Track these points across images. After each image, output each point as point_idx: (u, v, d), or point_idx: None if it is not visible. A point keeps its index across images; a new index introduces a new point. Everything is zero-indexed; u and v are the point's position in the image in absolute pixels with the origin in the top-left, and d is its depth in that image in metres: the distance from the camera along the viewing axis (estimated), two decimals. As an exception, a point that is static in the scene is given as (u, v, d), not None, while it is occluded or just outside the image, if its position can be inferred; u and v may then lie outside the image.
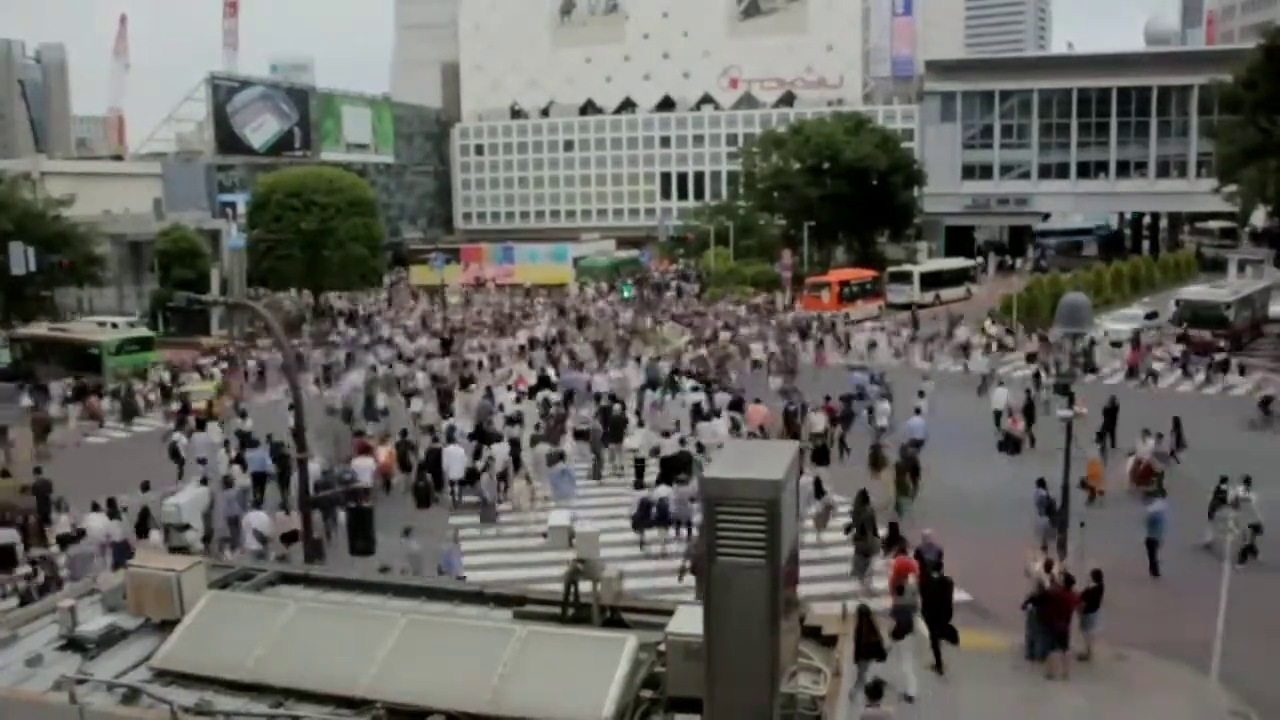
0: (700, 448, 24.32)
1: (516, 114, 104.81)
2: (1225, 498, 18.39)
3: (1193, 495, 20.80)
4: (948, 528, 18.89)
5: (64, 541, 19.94)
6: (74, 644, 7.74)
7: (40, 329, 45.35)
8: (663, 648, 6.86)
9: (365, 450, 25.13)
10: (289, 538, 19.47)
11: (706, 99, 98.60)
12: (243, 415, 31.02)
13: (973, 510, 22.18)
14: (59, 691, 6.94)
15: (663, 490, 21.25)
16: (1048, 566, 15.56)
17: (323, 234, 58.07)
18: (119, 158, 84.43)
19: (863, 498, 19.81)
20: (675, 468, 22.90)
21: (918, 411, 27.95)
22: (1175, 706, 12.78)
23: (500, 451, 24.59)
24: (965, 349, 41.01)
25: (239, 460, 24.92)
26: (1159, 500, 19.84)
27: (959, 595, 18.16)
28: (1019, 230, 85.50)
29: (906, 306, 55.24)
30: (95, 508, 20.72)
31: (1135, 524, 19.60)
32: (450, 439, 25.60)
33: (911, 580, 15.60)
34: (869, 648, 12.63)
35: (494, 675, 6.72)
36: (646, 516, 20.75)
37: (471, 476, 23.89)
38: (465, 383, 34.91)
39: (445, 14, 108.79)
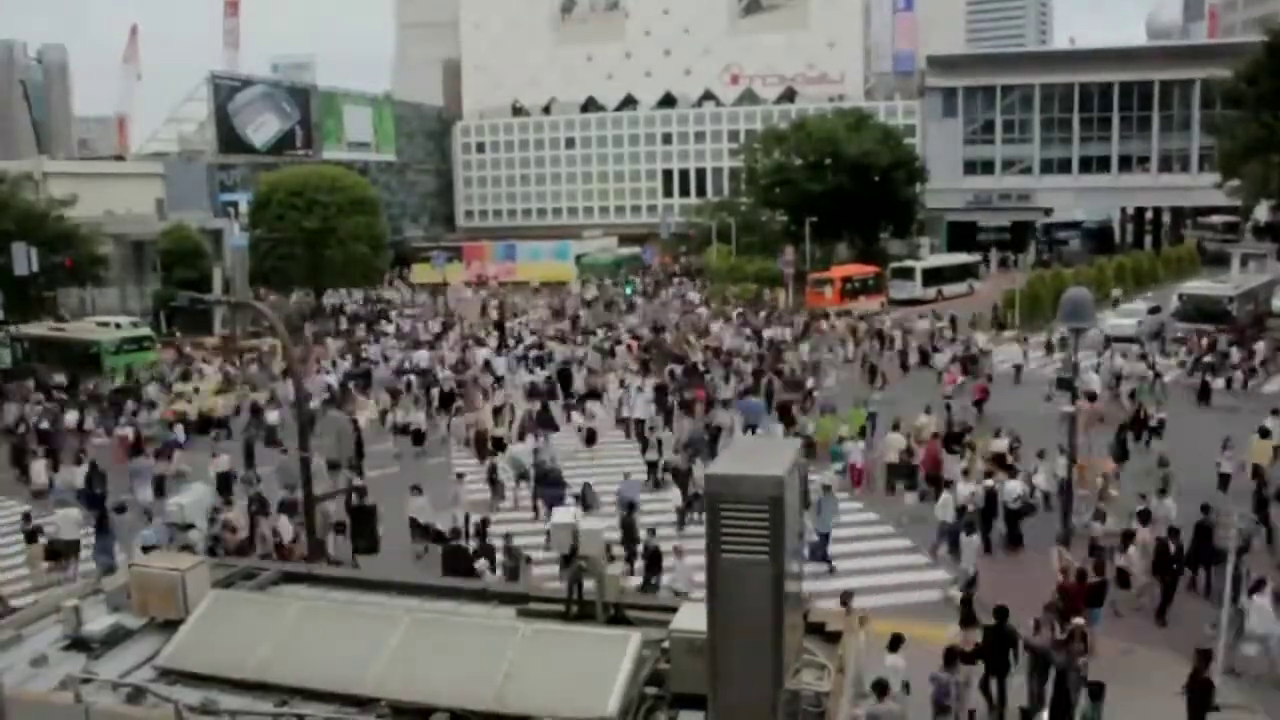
0: (541, 361, 38.85)
1: (518, 112, 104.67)
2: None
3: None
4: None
5: None
6: (79, 643, 7.74)
7: (40, 328, 45.41)
8: (667, 644, 6.86)
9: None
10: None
11: (708, 96, 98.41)
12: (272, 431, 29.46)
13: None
14: (64, 691, 6.95)
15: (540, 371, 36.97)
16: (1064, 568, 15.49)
17: (325, 233, 58.05)
18: (121, 158, 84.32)
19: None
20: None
21: None
22: (1178, 702, 12.77)
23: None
24: None
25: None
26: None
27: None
28: (1020, 225, 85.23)
29: (910, 303, 55.13)
30: None
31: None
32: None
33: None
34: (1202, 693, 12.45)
35: (498, 673, 6.72)
36: (535, 389, 33.97)
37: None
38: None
39: (446, 12, 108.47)
